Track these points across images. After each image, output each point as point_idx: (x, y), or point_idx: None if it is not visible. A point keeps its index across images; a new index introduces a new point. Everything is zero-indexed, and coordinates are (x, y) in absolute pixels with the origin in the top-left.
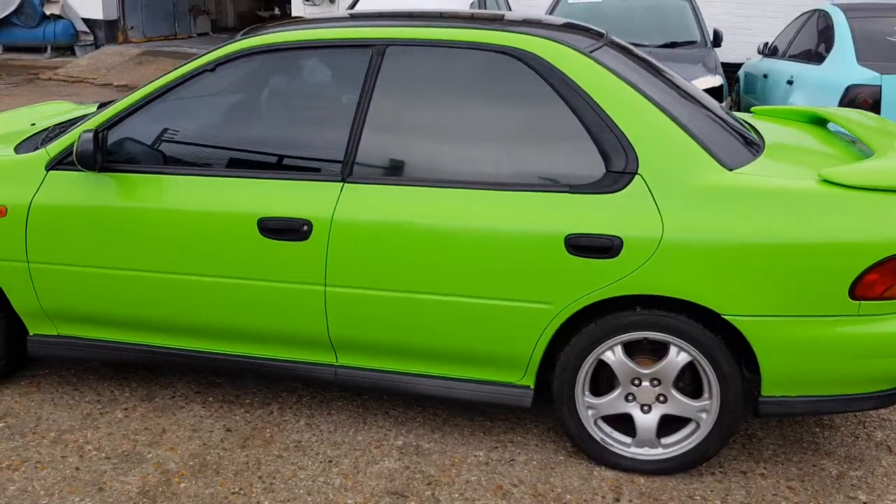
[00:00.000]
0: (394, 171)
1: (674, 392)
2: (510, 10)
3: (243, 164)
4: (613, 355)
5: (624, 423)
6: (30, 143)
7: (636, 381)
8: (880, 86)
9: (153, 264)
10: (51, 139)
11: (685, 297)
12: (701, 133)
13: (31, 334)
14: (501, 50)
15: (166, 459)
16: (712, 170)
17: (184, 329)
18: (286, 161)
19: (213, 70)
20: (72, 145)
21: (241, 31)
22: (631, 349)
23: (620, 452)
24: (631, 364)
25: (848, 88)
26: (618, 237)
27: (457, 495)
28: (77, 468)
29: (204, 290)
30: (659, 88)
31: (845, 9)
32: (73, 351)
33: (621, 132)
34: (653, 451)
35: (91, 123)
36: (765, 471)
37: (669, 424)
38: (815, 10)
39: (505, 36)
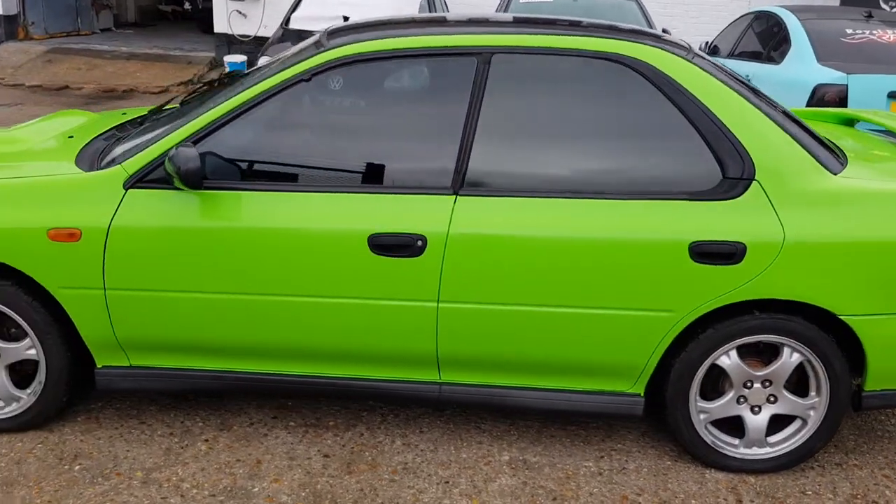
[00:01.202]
0: (507, 183)
1: (785, 392)
2: (447, 9)
3: (348, 179)
4: (728, 359)
5: (729, 425)
6: (84, 160)
7: (748, 384)
8: (847, 85)
9: (250, 286)
10: (108, 154)
11: (804, 299)
12: (801, 139)
13: (98, 367)
14: (609, 57)
15: (276, 492)
16: (821, 174)
17: (278, 352)
18: (394, 174)
19: (308, 80)
20: (154, 162)
21: (325, 34)
22: (741, 352)
23: (730, 454)
24: (745, 367)
25: (816, 88)
26: (741, 243)
27: None
28: None
29: (308, 311)
30: (753, 96)
31: (795, 10)
32: (145, 382)
33: (736, 139)
34: (761, 451)
35: (177, 137)
36: (857, 461)
37: (775, 424)
38: (760, 12)
39: (613, 43)
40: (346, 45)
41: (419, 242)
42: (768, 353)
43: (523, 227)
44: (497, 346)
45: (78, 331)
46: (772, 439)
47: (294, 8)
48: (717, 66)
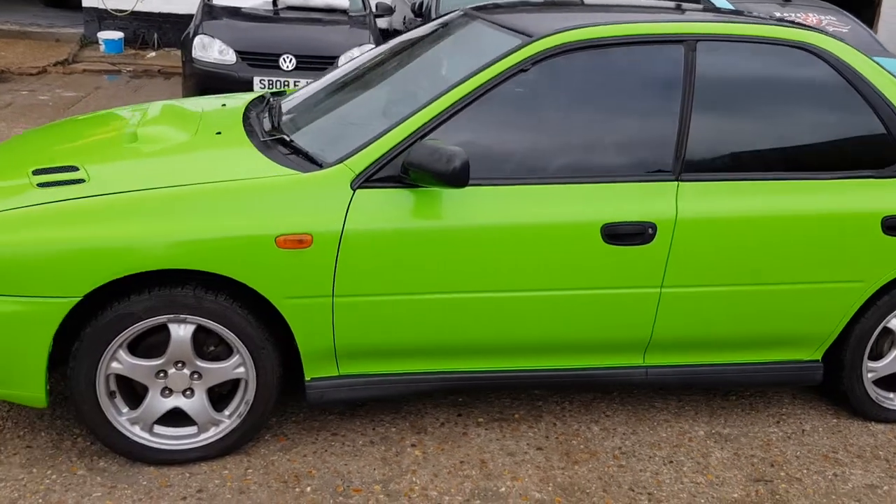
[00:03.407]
0: (721, 165)
1: None
2: None
3: (573, 169)
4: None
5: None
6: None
7: None
8: None
9: (487, 284)
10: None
11: None
12: None
13: (307, 379)
14: (798, 45)
15: (524, 490)
16: None
17: (495, 349)
18: (617, 162)
19: (526, 70)
20: (381, 159)
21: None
22: None
23: (890, 407)
24: None
25: None
26: None
27: (804, 471)
28: None
29: (540, 305)
30: None
31: None
32: (358, 391)
33: None
34: None
35: (403, 131)
36: None
37: None
38: None
39: (800, 33)
40: (558, 33)
41: (650, 230)
42: None
43: (740, 208)
44: (706, 327)
45: (292, 343)
46: None
47: None
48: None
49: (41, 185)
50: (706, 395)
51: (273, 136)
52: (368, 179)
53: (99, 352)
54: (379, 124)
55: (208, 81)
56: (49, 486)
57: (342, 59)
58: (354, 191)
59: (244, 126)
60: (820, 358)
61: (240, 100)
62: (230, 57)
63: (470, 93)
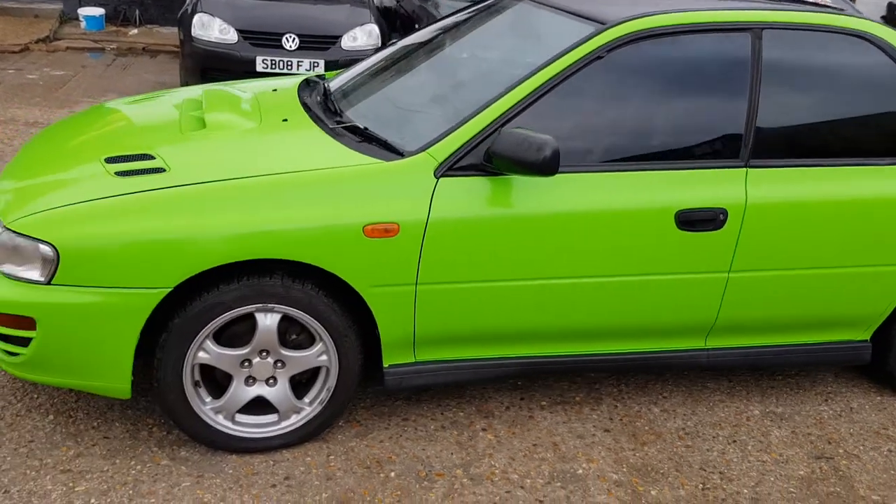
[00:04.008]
0: (787, 152)
1: None
2: None
3: (647, 156)
4: None
5: None
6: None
7: None
8: None
9: (564, 270)
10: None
11: None
12: None
13: (385, 366)
14: (856, 34)
15: (601, 472)
16: None
17: (570, 334)
18: (688, 149)
19: (602, 57)
20: (463, 147)
21: None
22: None
23: None
24: None
25: None
26: None
27: (861, 447)
28: (543, 499)
29: (614, 290)
30: None
31: None
32: (434, 377)
33: None
34: None
35: (483, 120)
36: None
37: None
38: None
39: (858, 21)
40: (632, 20)
41: (721, 216)
42: None
43: (804, 193)
44: (767, 310)
45: (369, 330)
46: None
47: None
48: None
49: (120, 173)
50: (754, 375)
51: (343, 123)
52: (451, 168)
53: (187, 342)
54: (452, 112)
55: (209, 61)
56: (136, 476)
57: (345, 41)
58: (438, 179)
59: (307, 112)
60: (869, 338)
61: (286, 83)
62: (231, 36)
63: (548, 80)
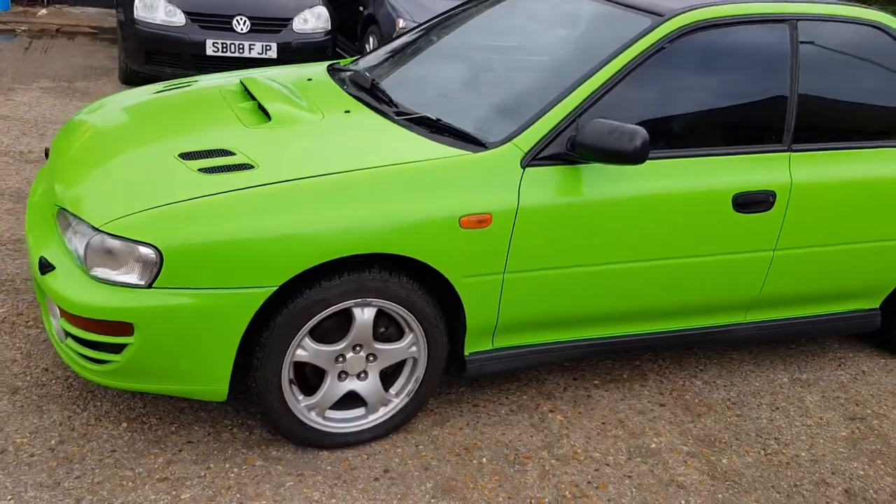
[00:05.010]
0: (827, 136)
1: None
2: None
3: (706, 142)
4: None
5: None
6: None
7: None
8: None
9: (639, 254)
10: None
11: None
12: None
13: (467, 354)
14: (873, 24)
15: (672, 445)
16: None
17: (637, 314)
18: (741, 135)
19: (664, 48)
20: (546, 137)
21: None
22: None
23: None
24: None
25: None
26: None
27: (884, 406)
28: (631, 474)
29: (674, 272)
30: None
31: None
32: (512, 362)
33: None
34: None
35: (562, 111)
36: None
37: None
38: None
39: (871, 13)
40: (688, 12)
41: (770, 198)
42: None
43: (840, 174)
44: (801, 284)
45: (461, 320)
46: None
47: None
48: None
49: (204, 170)
50: (771, 345)
51: (409, 114)
52: (535, 157)
53: (288, 340)
54: (519, 102)
55: (155, 44)
56: (237, 479)
57: (297, 23)
58: (524, 169)
59: (362, 103)
60: (878, 306)
61: (312, 71)
62: (179, 18)
63: (618, 72)
